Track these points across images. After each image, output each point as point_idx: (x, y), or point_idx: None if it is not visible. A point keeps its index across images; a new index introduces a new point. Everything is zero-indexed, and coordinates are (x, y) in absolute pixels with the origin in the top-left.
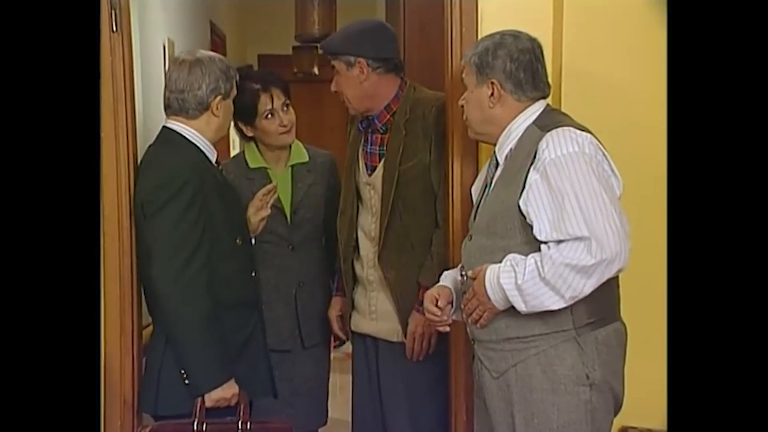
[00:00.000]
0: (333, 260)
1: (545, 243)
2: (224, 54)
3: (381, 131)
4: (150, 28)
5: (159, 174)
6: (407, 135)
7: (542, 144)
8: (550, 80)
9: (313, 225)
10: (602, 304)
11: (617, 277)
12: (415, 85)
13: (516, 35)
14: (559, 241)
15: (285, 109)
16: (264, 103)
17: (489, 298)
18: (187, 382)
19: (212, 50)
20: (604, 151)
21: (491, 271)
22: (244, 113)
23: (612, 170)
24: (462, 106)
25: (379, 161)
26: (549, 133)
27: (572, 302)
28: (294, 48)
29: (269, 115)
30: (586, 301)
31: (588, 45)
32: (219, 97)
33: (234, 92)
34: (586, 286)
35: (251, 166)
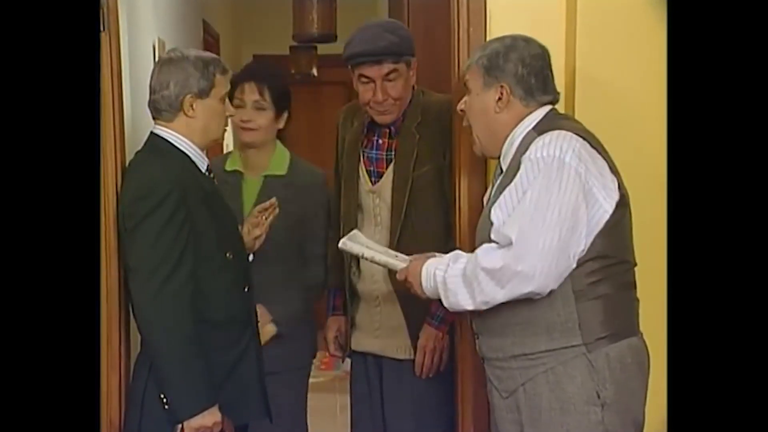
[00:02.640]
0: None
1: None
2: (217, 54)
3: (391, 136)
4: (139, 27)
5: (139, 185)
6: (421, 139)
7: (531, 147)
8: (562, 85)
9: (280, 245)
10: (615, 318)
11: (635, 288)
12: (423, 89)
13: (528, 40)
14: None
15: (256, 109)
16: (237, 92)
17: (420, 284)
18: (166, 407)
19: (205, 50)
20: (599, 161)
21: (434, 261)
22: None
23: (604, 185)
24: (461, 111)
25: (387, 167)
26: (540, 136)
27: (484, 307)
28: (291, 48)
29: (239, 107)
30: (596, 314)
31: (602, 49)
32: (190, 96)
33: (220, 90)
34: (498, 294)
35: (227, 168)
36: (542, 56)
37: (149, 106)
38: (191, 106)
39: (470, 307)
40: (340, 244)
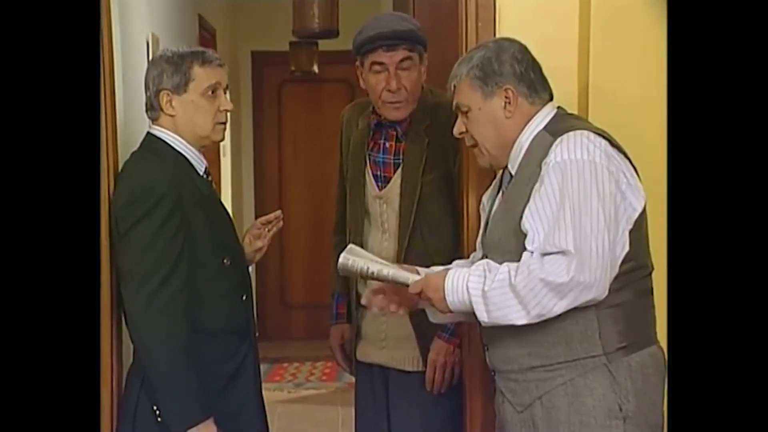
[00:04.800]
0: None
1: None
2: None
3: (398, 139)
4: (132, 22)
5: (133, 187)
6: (430, 142)
7: (552, 147)
8: (575, 83)
9: None
10: (635, 326)
11: (651, 296)
12: (431, 88)
13: (509, 39)
14: (545, 254)
15: None
16: None
17: (444, 298)
18: (159, 419)
19: (201, 46)
20: (622, 160)
21: (456, 273)
22: None
23: (630, 183)
24: (461, 134)
25: (394, 172)
26: (561, 137)
27: (537, 320)
28: (291, 44)
29: None
30: (617, 322)
31: (617, 43)
32: (164, 92)
33: (200, 84)
34: (557, 306)
35: None
36: (527, 51)
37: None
38: (169, 103)
39: (522, 321)
40: (341, 260)
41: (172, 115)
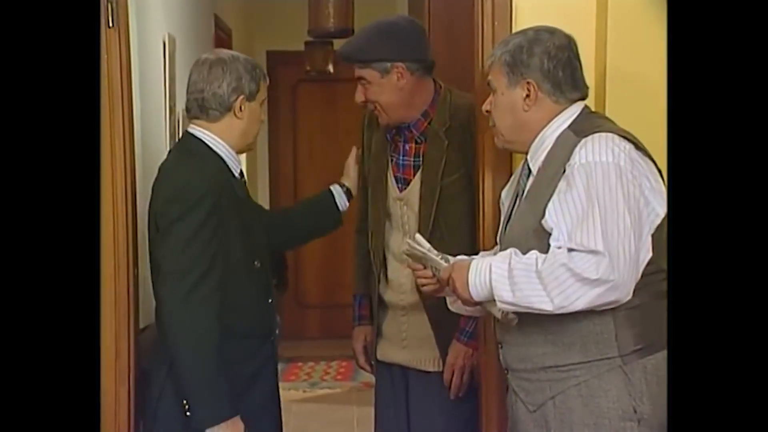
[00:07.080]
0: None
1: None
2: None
3: (417, 141)
4: (149, 23)
5: (174, 185)
6: (450, 145)
7: (577, 149)
8: (592, 81)
9: None
10: (652, 329)
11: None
12: (450, 88)
13: (552, 31)
14: (572, 250)
15: None
16: None
17: (467, 284)
18: (188, 414)
19: (216, 46)
20: (647, 163)
21: (482, 259)
22: None
23: (653, 188)
24: (487, 112)
25: (414, 174)
26: (585, 138)
27: (559, 312)
28: (306, 44)
29: None
30: (633, 325)
31: (634, 43)
32: (242, 97)
33: (261, 95)
34: (580, 300)
35: None
36: (569, 47)
37: (190, 105)
38: (240, 107)
39: (546, 307)
40: (406, 248)
41: (239, 119)
